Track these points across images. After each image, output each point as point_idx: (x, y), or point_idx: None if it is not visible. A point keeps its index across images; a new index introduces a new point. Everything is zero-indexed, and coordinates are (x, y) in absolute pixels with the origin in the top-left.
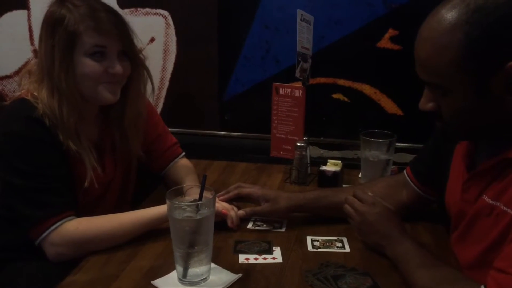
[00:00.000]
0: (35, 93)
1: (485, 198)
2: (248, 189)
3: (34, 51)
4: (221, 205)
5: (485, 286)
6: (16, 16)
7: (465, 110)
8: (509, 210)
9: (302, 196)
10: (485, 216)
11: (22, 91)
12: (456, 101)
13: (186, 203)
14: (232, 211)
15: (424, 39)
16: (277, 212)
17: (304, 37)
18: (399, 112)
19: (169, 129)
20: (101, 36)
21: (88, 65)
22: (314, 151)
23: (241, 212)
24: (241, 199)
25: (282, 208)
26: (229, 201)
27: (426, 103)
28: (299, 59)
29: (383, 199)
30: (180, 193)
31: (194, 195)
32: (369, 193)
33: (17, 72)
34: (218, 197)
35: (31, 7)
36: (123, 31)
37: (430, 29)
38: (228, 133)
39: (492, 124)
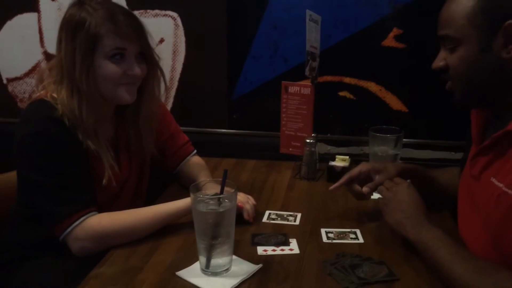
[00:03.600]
0: (54, 94)
1: (489, 176)
2: (356, 170)
3: (45, 53)
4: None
5: None
6: (27, 19)
7: (470, 65)
8: (510, 192)
9: (410, 165)
10: (489, 194)
11: (41, 92)
12: (463, 54)
13: (210, 197)
14: (247, 204)
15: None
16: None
17: (313, 37)
18: (404, 108)
19: None
20: (121, 39)
21: (108, 67)
22: (321, 148)
23: (365, 189)
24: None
25: (393, 174)
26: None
27: (438, 62)
28: (308, 58)
29: None
30: (198, 188)
31: (211, 189)
32: (408, 181)
33: (27, 74)
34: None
35: (41, 9)
36: (141, 34)
37: None
38: (237, 131)
39: (494, 85)
